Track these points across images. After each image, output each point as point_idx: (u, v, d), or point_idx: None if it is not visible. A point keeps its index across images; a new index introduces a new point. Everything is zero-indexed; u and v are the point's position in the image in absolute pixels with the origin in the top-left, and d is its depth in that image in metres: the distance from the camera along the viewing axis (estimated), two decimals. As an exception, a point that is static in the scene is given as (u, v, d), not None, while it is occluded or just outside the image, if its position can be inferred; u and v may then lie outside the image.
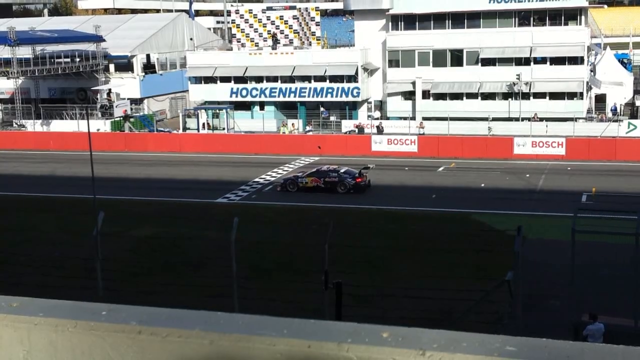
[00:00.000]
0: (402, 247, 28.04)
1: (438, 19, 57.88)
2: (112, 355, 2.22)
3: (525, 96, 56.03)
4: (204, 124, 58.74)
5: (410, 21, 58.55)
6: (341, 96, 59.66)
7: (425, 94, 58.13)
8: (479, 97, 57.28)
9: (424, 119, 56.80)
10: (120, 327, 2.22)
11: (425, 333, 2.11)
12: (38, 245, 29.83)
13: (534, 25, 56.43)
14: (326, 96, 59.97)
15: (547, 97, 56.27)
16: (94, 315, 2.29)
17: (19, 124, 62.18)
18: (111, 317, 2.27)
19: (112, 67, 68.18)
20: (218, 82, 61.90)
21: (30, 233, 31.30)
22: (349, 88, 59.21)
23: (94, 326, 2.24)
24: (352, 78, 58.98)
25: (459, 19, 57.60)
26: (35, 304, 2.39)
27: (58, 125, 61.16)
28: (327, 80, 59.50)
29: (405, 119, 56.62)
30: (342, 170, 40.02)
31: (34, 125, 61.25)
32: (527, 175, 42.78)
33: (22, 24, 68.92)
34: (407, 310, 21.41)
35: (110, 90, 64.42)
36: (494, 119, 54.11)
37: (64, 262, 27.44)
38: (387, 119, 59.02)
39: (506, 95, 56.76)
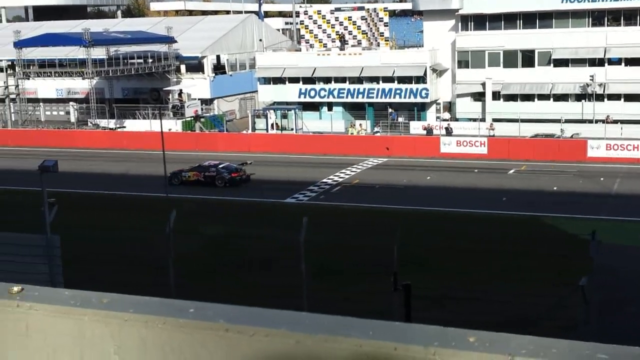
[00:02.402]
0: (472, 250, 27.71)
1: (509, 19, 57.03)
2: (201, 353, 2.24)
3: (599, 98, 54.74)
4: (272, 125, 59.20)
5: (480, 21, 57.85)
6: (409, 97, 59.30)
7: (496, 95, 57.35)
8: (551, 99, 56.21)
9: (494, 120, 56.03)
10: (208, 325, 2.24)
11: (513, 338, 2.08)
12: (112, 242, 30.47)
13: (608, 25, 55.11)
14: (394, 97, 59.68)
15: (622, 99, 54.86)
16: (182, 312, 2.32)
17: (93, 123, 63.75)
18: (199, 315, 2.29)
19: (183, 67, 69.26)
20: (287, 82, 62.28)
21: (105, 231, 32.02)
22: (417, 89, 58.81)
23: (182, 323, 2.26)
24: (421, 79, 58.56)
25: (530, 19, 56.62)
26: (125, 300, 2.44)
27: (131, 125, 62.49)
28: (396, 81, 59.21)
29: (474, 120, 55.94)
30: (220, 166, 42.68)
31: (107, 125, 62.73)
32: (601, 179, 41.78)
33: (96, 26, 70.59)
34: (477, 313, 21.17)
35: (181, 90, 65.46)
36: (567, 121, 53.01)
37: (136, 259, 28.01)
38: (456, 120, 58.43)
39: (579, 97, 55.52)
